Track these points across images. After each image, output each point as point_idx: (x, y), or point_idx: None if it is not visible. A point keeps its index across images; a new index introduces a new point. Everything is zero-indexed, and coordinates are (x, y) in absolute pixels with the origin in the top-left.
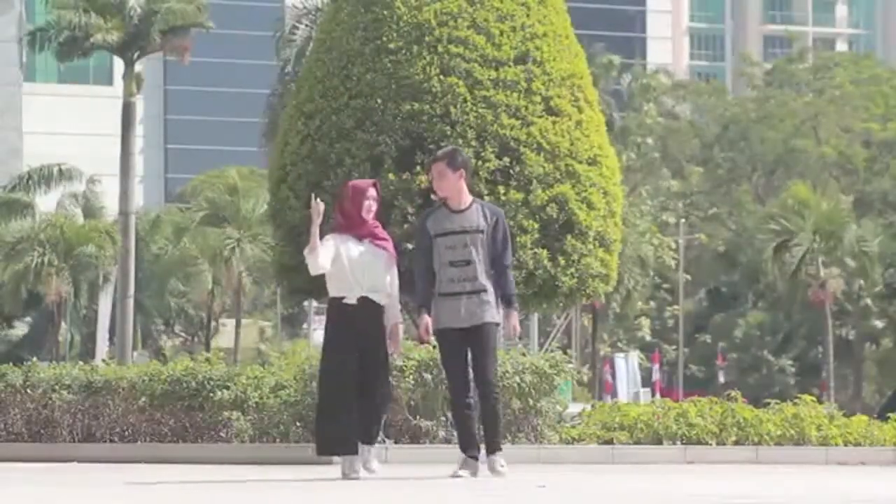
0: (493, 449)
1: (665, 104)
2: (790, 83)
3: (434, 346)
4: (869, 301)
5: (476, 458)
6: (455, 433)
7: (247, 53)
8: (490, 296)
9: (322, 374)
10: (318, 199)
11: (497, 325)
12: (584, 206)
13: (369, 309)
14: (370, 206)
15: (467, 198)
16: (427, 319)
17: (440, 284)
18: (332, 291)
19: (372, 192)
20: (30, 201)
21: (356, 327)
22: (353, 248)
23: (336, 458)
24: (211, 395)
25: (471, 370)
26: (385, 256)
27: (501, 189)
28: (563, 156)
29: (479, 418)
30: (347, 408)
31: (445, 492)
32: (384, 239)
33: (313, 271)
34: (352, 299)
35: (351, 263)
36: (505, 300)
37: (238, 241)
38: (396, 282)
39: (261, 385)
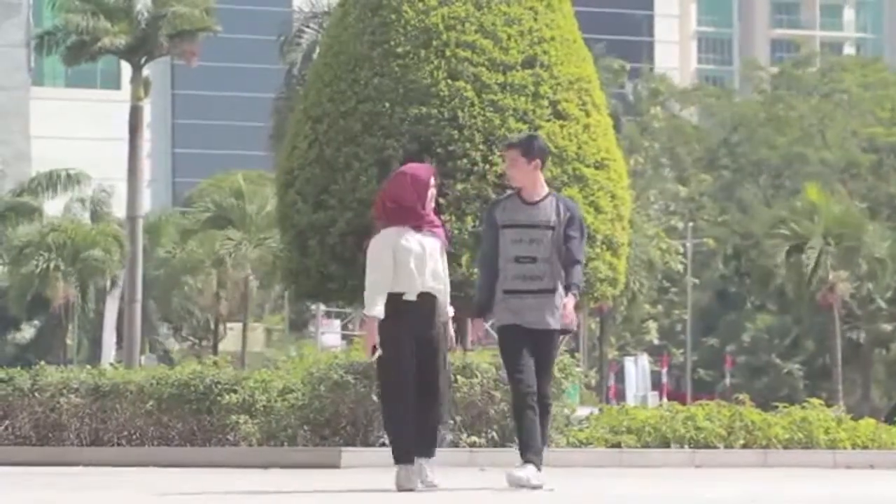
0: (527, 459)
1: (672, 107)
2: (797, 87)
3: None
4: (882, 303)
5: (538, 464)
6: (515, 436)
7: (254, 57)
8: (559, 298)
9: (382, 375)
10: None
11: (561, 333)
12: (592, 210)
13: (427, 303)
14: (433, 196)
15: (542, 189)
16: (482, 324)
17: (504, 280)
18: (392, 287)
19: (433, 182)
20: (37, 206)
21: (412, 324)
22: (414, 242)
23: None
24: (218, 398)
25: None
26: (440, 244)
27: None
28: (571, 159)
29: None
30: (406, 415)
31: (450, 496)
32: (438, 225)
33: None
34: (412, 295)
35: (414, 259)
36: (566, 286)
37: (238, 243)
38: (447, 271)
39: (268, 388)
